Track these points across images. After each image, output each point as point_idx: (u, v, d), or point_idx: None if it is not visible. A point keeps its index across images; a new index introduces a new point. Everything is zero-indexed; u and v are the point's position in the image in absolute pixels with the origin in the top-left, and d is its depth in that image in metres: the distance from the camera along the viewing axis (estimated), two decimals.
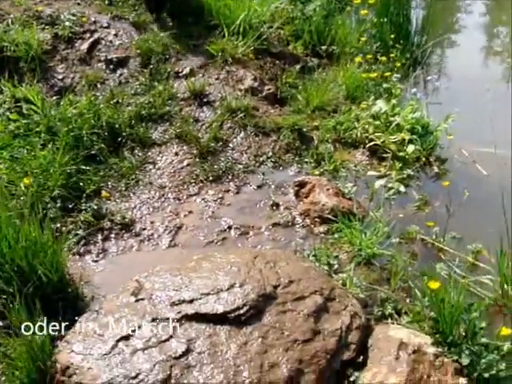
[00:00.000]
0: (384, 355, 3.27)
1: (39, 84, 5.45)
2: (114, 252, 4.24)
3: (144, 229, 4.42)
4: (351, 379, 3.21)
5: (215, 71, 5.85)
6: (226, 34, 6.10)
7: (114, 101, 5.40)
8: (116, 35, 6.10)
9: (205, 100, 5.54)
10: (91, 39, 5.99)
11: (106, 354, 3.13)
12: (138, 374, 3.01)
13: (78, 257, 4.18)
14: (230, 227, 4.43)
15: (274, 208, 4.62)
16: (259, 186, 4.84)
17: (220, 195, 4.73)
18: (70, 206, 4.48)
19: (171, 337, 3.19)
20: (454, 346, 3.28)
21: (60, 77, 5.63)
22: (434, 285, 3.35)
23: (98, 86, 5.59)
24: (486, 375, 3.18)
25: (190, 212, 4.57)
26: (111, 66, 5.81)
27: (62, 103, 5.22)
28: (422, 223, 4.45)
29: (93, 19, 6.21)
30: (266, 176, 4.94)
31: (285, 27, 6.81)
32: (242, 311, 3.30)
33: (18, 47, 5.63)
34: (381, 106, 5.55)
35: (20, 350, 3.18)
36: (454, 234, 4.36)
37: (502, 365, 3.22)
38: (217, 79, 5.74)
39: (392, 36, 6.68)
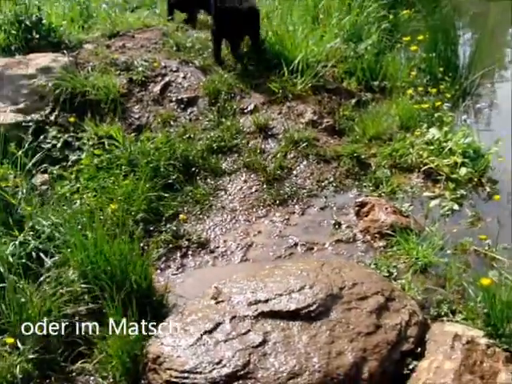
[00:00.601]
0: (440, 346, 3.60)
1: (118, 123, 5.99)
2: (192, 267, 4.71)
3: (218, 247, 4.88)
4: (410, 367, 3.56)
5: (277, 107, 6.34)
6: (286, 73, 6.59)
7: (187, 136, 5.92)
8: (185, 77, 6.67)
9: (269, 133, 6.02)
10: (163, 82, 6.57)
11: (192, 345, 3.56)
12: (221, 360, 3.43)
13: (159, 271, 4.64)
14: (296, 244, 4.85)
15: (337, 227, 5.02)
16: (322, 208, 5.25)
17: (286, 216, 5.16)
18: (152, 228, 4.97)
19: (249, 330, 3.60)
20: (505, 337, 3.58)
21: (136, 116, 6.21)
22: (486, 281, 3.69)
23: (171, 123, 6.13)
24: None
25: (259, 232, 5.01)
26: (182, 106, 6.35)
27: (140, 139, 5.74)
28: (475, 236, 4.75)
29: (163, 64, 6.81)
30: (328, 199, 5.35)
31: (338, 65, 7.23)
32: (311, 308, 3.70)
33: (98, 91, 6.23)
34: (434, 133, 5.92)
35: (116, 345, 3.63)
36: (505, 244, 4.61)
37: None
38: (279, 114, 6.24)
39: (441, 69, 7.05)
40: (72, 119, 5.99)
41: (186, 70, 6.83)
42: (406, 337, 3.68)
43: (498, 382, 3.40)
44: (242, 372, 3.38)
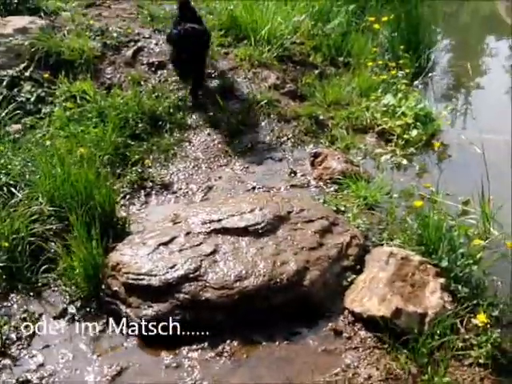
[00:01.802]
0: (376, 262, 3.94)
1: (91, 81, 6.29)
2: (155, 204, 5.00)
3: (180, 188, 5.19)
4: (349, 280, 3.91)
5: (243, 73, 6.68)
6: (253, 43, 6.93)
7: (155, 94, 6.22)
8: (157, 44, 6.98)
9: (234, 94, 6.35)
10: (135, 47, 6.86)
11: (148, 254, 3.87)
12: (174, 265, 3.75)
13: (124, 208, 4.91)
14: (253, 188, 5.17)
15: (292, 175, 5.37)
16: (280, 160, 5.60)
17: (246, 165, 5.49)
18: (118, 172, 5.24)
19: (201, 243, 3.92)
20: (436, 254, 3.93)
21: (108, 76, 6.50)
22: (419, 203, 4.05)
23: (142, 83, 6.42)
24: (461, 275, 3.81)
25: (220, 177, 5.33)
26: (152, 69, 6.66)
27: (110, 95, 6.04)
28: (421, 185, 5.10)
29: (137, 31, 7.13)
30: (286, 152, 5.70)
31: (306, 43, 7.59)
32: (260, 226, 4.03)
33: (72, 52, 6.51)
34: (389, 99, 6.31)
35: (79, 256, 3.93)
36: (448, 192, 4.96)
37: (475, 267, 3.86)
38: (244, 78, 6.58)
39: (402, 47, 7.43)
40: (46, 76, 6.23)
41: (158, 37, 7.14)
42: (346, 255, 4.01)
43: (427, 290, 3.73)
44: (193, 275, 3.69)
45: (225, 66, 6.77)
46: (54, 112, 5.88)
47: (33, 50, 6.41)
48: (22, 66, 6.34)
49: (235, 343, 3.57)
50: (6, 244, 4.06)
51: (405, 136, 5.89)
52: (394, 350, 3.43)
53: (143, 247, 3.91)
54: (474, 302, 3.75)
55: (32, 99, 6.09)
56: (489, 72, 7.97)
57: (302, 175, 5.35)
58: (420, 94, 6.41)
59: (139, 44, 6.93)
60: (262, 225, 4.02)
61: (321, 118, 6.14)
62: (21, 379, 3.41)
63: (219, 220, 4.07)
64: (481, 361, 3.40)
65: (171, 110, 6.05)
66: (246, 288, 3.61)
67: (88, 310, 3.89)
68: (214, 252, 3.82)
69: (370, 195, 4.80)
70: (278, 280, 3.69)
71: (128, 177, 5.18)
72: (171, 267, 3.72)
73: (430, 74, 7.32)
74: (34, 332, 3.74)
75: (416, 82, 7.02)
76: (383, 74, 6.93)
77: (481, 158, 4.99)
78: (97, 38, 6.87)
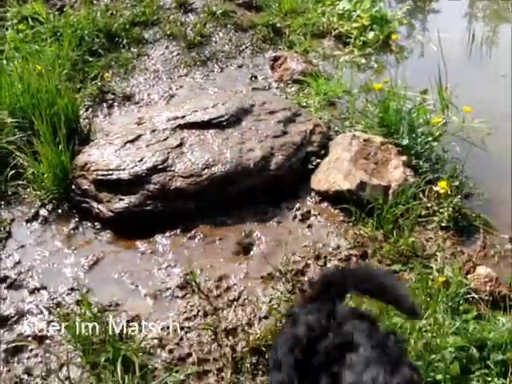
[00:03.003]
0: (340, 145, 4.03)
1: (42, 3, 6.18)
2: (118, 115, 5.01)
3: (142, 99, 5.20)
4: (314, 164, 4.00)
5: None
6: None
7: (109, 12, 6.15)
8: None
9: (188, 8, 6.32)
10: None
11: (115, 151, 3.91)
12: (142, 159, 3.79)
13: (87, 120, 4.90)
14: (215, 93, 5.18)
15: (253, 79, 5.41)
16: (239, 66, 5.64)
17: (206, 74, 5.51)
18: (78, 86, 5.21)
19: (167, 138, 3.97)
20: (397, 134, 4.04)
21: None
22: (378, 86, 4.13)
23: (94, 2, 6.34)
24: (421, 151, 3.93)
25: (181, 86, 5.35)
26: None
27: (63, 15, 5.95)
28: (379, 80, 5.17)
29: None
30: (246, 59, 5.73)
31: None
32: (223, 118, 4.09)
33: None
34: (344, 4, 6.32)
35: (47, 160, 3.93)
36: (404, 84, 5.04)
37: (434, 144, 3.99)
38: None
39: None
40: None
41: None
42: (310, 141, 4.10)
43: (389, 166, 3.84)
44: (161, 166, 3.74)
45: None
46: (7, 35, 5.74)
47: None
48: None
49: (207, 227, 3.63)
50: None
51: (362, 38, 5.94)
52: (360, 221, 3.55)
53: (110, 146, 3.95)
54: (435, 175, 3.87)
55: None
56: None
57: (262, 79, 5.41)
58: None
59: None
60: (226, 117, 4.08)
61: (278, 25, 6.15)
62: None
63: (183, 116, 4.12)
64: (443, 224, 3.55)
65: (127, 27, 5.98)
66: (214, 174, 3.69)
67: (60, 211, 3.92)
68: (180, 145, 3.87)
69: (331, 91, 4.86)
70: (245, 165, 3.74)
71: (89, 90, 5.13)
72: (139, 161, 3.77)
73: None
74: (8, 235, 3.74)
75: None
76: None
77: (437, 55, 5.05)
78: None
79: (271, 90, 5.20)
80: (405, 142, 3.97)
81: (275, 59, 5.46)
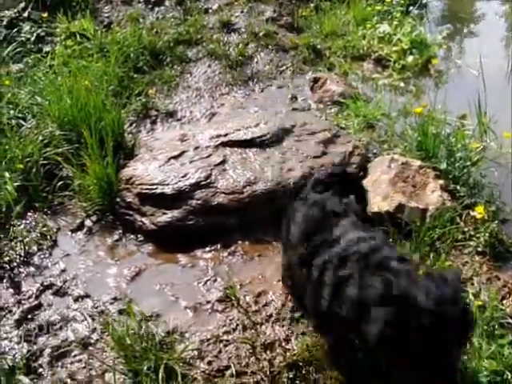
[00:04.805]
0: (379, 167, 4.10)
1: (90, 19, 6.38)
2: (161, 131, 5.14)
3: (184, 116, 5.33)
4: None
5: (239, 7, 6.79)
6: None
7: (154, 31, 6.32)
8: None
9: (232, 28, 6.47)
10: None
11: (160, 166, 4.04)
12: (185, 175, 3.91)
13: (131, 135, 5.04)
14: (256, 112, 5.29)
15: (293, 99, 5.50)
16: (280, 87, 5.74)
17: (247, 93, 5.63)
18: (123, 102, 5.36)
19: (210, 155, 4.08)
20: (435, 158, 4.10)
21: (106, 15, 6.62)
22: (418, 109, 4.20)
23: (140, 20, 6.52)
24: (459, 176, 3.98)
25: (222, 105, 5.47)
26: (150, 6, 6.78)
27: (110, 32, 6.14)
28: (418, 104, 5.23)
29: None
30: (286, 80, 5.83)
31: None
32: (265, 138, 4.19)
33: None
34: (385, 27, 6.41)
35: (94, 172, 4.08)
36: (443, 109, 5.08)
37: (472, 169, 4.03)
38: (241, 12, 6.68)
39: None
40: (45, 15, 6.31)
41: None
42: (349, 162, 4.17)
43: (427, 189, 3.90)
44: (204, 182, 3.86)
45: (221, 1, 6.82)
46: (56, 50, 5.93)
47: None
48: (20, 6, 6.41)
49: (246, 243, 3.72)
50: (21, 166, 4.21)
51: (401, 61, 5.99)
52: (398, 243, 3.60)
53: (154, 161, 4.07)
54: (472, 200, 3.91)
55: (32, 39, 6.20)
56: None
57: (302, 99, 5.49)
58: (415, 21, 6.47)
59: None
60: (268, 136, 4.18)
61: (318, 47, 6.25)
62: (45, 283, 3.58)
63: (226, 134, 4.23)
64: (479, 249, 3.59)
65: (171, 45, 6.14)
66: (255, 192, 3.78)
67: (104, 222, 4.06)
68: (222, 162, 3.98)
69: (370, 113, 4.93)
70: (286, 184, 3.83)
71: (133, 106, 5.27)
72: (183, 176, 3.88)
73: (424, 1, 7.35)
74: (53, 244, 3.88)
75: (411, 10, 7.03)
76: (378, 5, 6.97)
77: (477, 80, 5.10)
78: None
79: (311, 110, 5.28)
80: (443, 166, 4.02)
81: (315, 80, 5.55)
